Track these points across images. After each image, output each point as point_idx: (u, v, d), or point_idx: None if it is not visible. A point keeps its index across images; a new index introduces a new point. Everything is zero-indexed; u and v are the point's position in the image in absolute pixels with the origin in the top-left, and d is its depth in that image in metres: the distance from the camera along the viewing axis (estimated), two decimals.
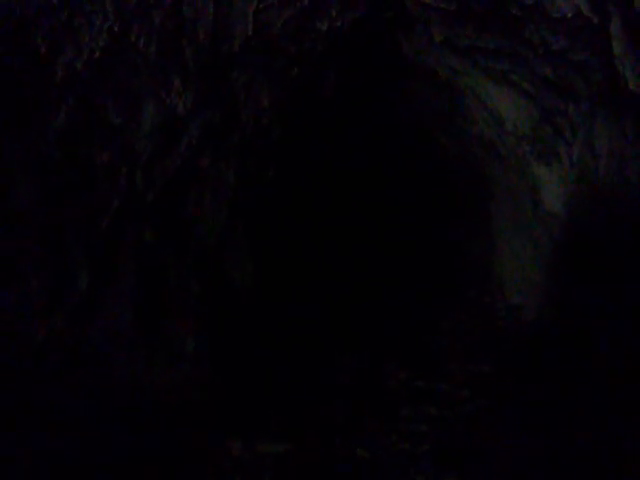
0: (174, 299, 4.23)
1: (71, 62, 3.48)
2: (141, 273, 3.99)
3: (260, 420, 4.13)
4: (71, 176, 3.64)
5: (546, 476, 3.40)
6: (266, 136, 5.19)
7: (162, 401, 3.87)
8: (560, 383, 4.43)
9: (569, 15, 4.09)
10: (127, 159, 3.85)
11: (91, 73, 3.56)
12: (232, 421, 4.06)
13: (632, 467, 3.21)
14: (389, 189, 10.39)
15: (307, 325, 6.15)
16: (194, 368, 4.21)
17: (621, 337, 4.24)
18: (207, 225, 4.62)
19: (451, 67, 5.61)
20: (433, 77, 5.95)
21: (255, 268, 5.35)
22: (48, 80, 3.46)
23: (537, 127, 5.37)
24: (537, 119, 5.32)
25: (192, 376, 4.17)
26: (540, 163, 5.46)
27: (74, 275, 3.68)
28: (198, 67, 3.99)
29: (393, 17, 5.15)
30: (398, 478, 3.59)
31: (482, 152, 6.81)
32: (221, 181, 4.69)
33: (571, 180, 5.17)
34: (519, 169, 5.96)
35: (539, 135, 5.39)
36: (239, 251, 5.11)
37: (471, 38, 4.93)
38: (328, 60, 5.39)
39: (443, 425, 4.24)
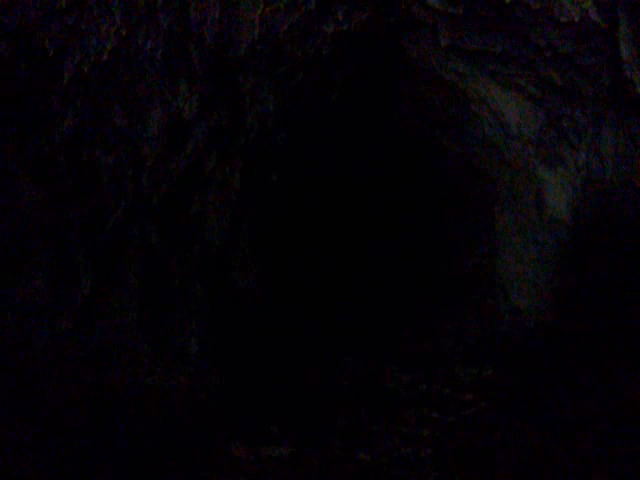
0: (178, 301, 4.24)
1: (78, 65, 3.50)
2: (145, 275, 4.00)
3: (263, 423, 4.15)
4: (77, 178, 3.66)
5: (549, 479, 3.40)
6: (271, 140, 5.21)
7: (165, 403, 3.89)
8: (563, 386, 4.42)
9: (576, 19, 4.08)
10: (133, 162, 3.87)
11: (98, 76, 3.57)
12: (235, 424, 4.07)
13: (634, 468, 3.21)
14: (393, 192, 10.38)
15: (310, 328, 6.16)
16: (197, 370, 4.23)
17: (625, 340, 4.24)
18: (212, 228, 4.64)
19: (457, 71, 5.60)
20: (439, 81, 5.94)
21: (259, 271, 5.36)
22: (55, 83, 3.48)
23: (543, 131, 5.36)
24: (543, 123, 5.31)
25: (195, 378, 4.18)
26: (545, 167, 5.45)
27: (79, 277, 3.70)
28: (204, 71, 4.00)
29: (399, 21, 5.14)
30: None
31: (487, 156, 6.79)
32: (226, 184, 4.70)
33: (576, 184, 5.15)
34: (524, 173, 5.94)
35: (545, 139, 5.38)
36: (243, 254, 5.12)
37: (477, 42, 4.92)
38: (333, 64, 5.39)
39: (445, 429, 4.24)
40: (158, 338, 4.02)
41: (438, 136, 7.92)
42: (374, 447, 3.95)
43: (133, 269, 3.91)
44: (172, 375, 4.00)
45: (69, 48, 3.45)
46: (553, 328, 5.47)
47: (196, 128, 4.17)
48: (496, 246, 7.40)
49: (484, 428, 4.17)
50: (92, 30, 3.48)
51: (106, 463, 3.33)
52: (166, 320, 4.13)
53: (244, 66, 4.34)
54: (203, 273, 4.45)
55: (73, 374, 3.51)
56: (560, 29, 4.37)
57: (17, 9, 3.15)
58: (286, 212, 6.24)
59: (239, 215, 4.98)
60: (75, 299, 3.68)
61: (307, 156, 6.46)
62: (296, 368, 5.17)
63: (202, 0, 3.75)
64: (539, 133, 5.41)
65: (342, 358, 5.71)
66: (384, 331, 6.79)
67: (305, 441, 3.97)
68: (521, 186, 6.15)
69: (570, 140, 5.11)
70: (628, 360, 4.11)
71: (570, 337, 4.97)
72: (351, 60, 5.71)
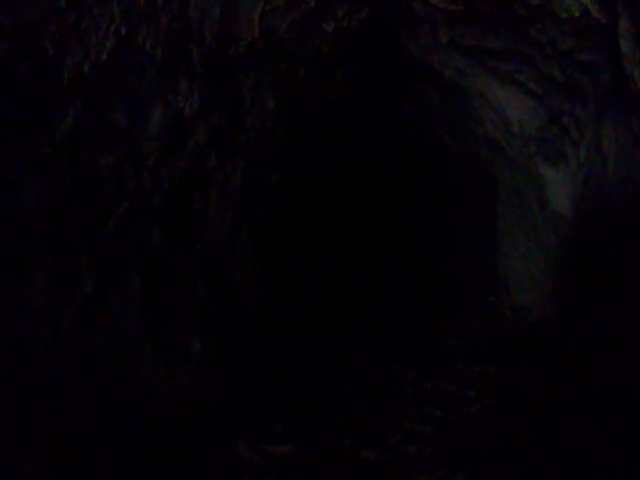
0: (180, 301, 4.24)
1: (78, 65, 3.49)
2: (147, 274, 4.00)
3: (266, 422, 4.14)
4: (77, 178, 3.65)
5: (552, 477, 3.39)
6: (272, 138, 5.20)
7: (168, 402, 3.88)
8: (566, 383, 4.41)
9: (577, 15, 4.08)
10: (134, 161, 3.86)
11: (98, 76, 3.57)
12: (238, 423, 4.07)
13: (637, 467, 3.20)
14: (395, 190, 10.38)
15: (312, 326, 6.16)
16: (200, 369, 4.22)
17: (628, 338, 4.22)
18: (213, 227, 4.63)
19: (457, 68, 5.60)
20: (439, 78, 5.94)
21: (260, 270, 5.35)
22: (55, 82, 3.47)
23: (544, 127, 5.35)
24: (544, 119, 5.30)
25: (198, 377, 4.18)
26: (547, 164, 5.44)
27: (80, 277, 3.69)
28: (205, 69, 4.00)
29: (399, 18, 5.14)
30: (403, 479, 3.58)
31: (488, 153, 6.79)
32: (227, 183, 4.70)
33: (578, 181, 5.14)
34: (526, 170, 5.94)
35: (546, 136, 5.37)
36: (245, 253, 5.12)
37: (477, 38, 4.92)
38: (334, 62, 5.39)
39: (449, 426, 4.23)
40: (160, 338, 4.01)
41: (439, 134, 7.92)
42: (378, 445, 3.94)
43: (135, 268, 3.91)
44: (174, 375, 4.00)
45: (69, 48, 3.45)
46: (556, 324, 5.47)
47: (197, 127, 4.17)
48: (498, 243, 7.40)
49: (488, 425, 4.16)
50: (92, 30, 3.47)
51: (107, 463, 3.33)
52: (168, 320, 4.13)
53: (244, 65, 4.33)
54: (205, 272, 4.44)
55: (74, 374, 3.51)
56: (560, 25, 4.37)
57: (17, 9, 3.15)
58: (287, 211, 6.24)
59: (240, 214, 4.97)
60: (76, 299, 3.67)
61: (307, 155, 6.46)
62: (298, 367, 5.17)
63: None
64: (540, 130, 5.40)
65: (344, 357, 5.70)
66: (386, 329, 6.79)
67: (309, 439, 3.97)
68: (523, 183, 6.14)
69: (571, 136, 5.10)
70: (631, 356, 4.10)
71: (573, 333, 4.96)
72: (351, 58, 5.71)
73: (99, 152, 3.71)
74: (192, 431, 3.78)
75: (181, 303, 4.23)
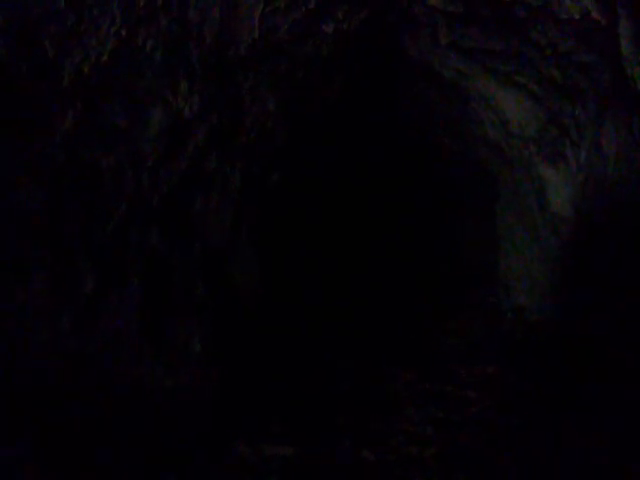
0: (180, 301, 4.23)
1: (78, 65, 3.49)
2: (147, 276, 3.99)
3: (266, 422, 4.14)
4: (77, 179, 3.65)
5: (552, 477, 3.40)
6: (272, 139, 5.20)
7: (167, 402, 3.88)
8: (566, 384, 4.42)
9: (577, 16, 4.08)
10: (133, 162, 3.86)
11: (98, 76, 3.57)
12: (238, 423, 4.07)
13: (636, 468, 3.20)
14: (394, 191, 10.39)
15: (312, 326, 6.16)
16: (200, 370, 4.22)
17: (628, 338, 4.23)
18: (213, 227, 4.63)
19: (457, 69, 5.60)
20: (439, 79, 5.94)
21: (259, 270, 5.36)
22: (55, 83, 3.47)
23: (543, 129, 5.36)
24: (543, 121, 5.31)
25: (198, 378, 4.18)
26: (547, 165, 5.44)
27: (80, 277, 3.69)
28: (204, 70, 4.00)
29: (398, 19, 5.14)
30: None
31: (488, 154, 6.79)
32: (227, 184, 4.70)
33: (578, 181, 5.15)
34: (525, 171, 5.94)
35: (546, 136, 5.37)
36: (245, 253, 5.12)
37: (477, 40, 4.92)
38: (334, 63, 5.39)
39: (449, 427, 4.23)
40: (160, 338, 4.01)
41: (439, 135, 7.93)
42: (378, 446, 3.94)
43: (134, 269, 3.90)
44: (174, 374, 3.99)
45: (69, 48, 3.45)
46: (556, 325, 5.47)
47: (197, 128, 4.17)
48: (498, 244, 7.41)
49: (488, 426, 4.17)
50: (92, 30, 3.47)
51: (108, 463, 3.32)
52: (168, 319, 4.13)
53: (244, 65, 4.33)
54: (205, 272, 4.44)
55: (74, 374, 3.50)
56: (560, 26, 4.37)
57: (17, 9, 3.15)
58: (287, 212, 6.25)
59: (240, 214, 4.98)
60: (76, 299, 3.67)
61: (307, 155, 6.47)
62: (298, 367, 5.17)
63: (202, 0, 3.75)
64: (540, 131, 5.41)
65: (343, 357, 5.70)
66: (386, 329, 6.79)
67: (309, 440, 3.97)
68: (523, 184, 6.14)
69: (571, 137, 5.10)
70: (631, 356, 4.10)
71: (573, 334, 4.97)
72: (351, 59, 5.71)
73: (99, 153, 3.71)
74: (192, 431, 3.78)
75: (181, 303, 4.23)
